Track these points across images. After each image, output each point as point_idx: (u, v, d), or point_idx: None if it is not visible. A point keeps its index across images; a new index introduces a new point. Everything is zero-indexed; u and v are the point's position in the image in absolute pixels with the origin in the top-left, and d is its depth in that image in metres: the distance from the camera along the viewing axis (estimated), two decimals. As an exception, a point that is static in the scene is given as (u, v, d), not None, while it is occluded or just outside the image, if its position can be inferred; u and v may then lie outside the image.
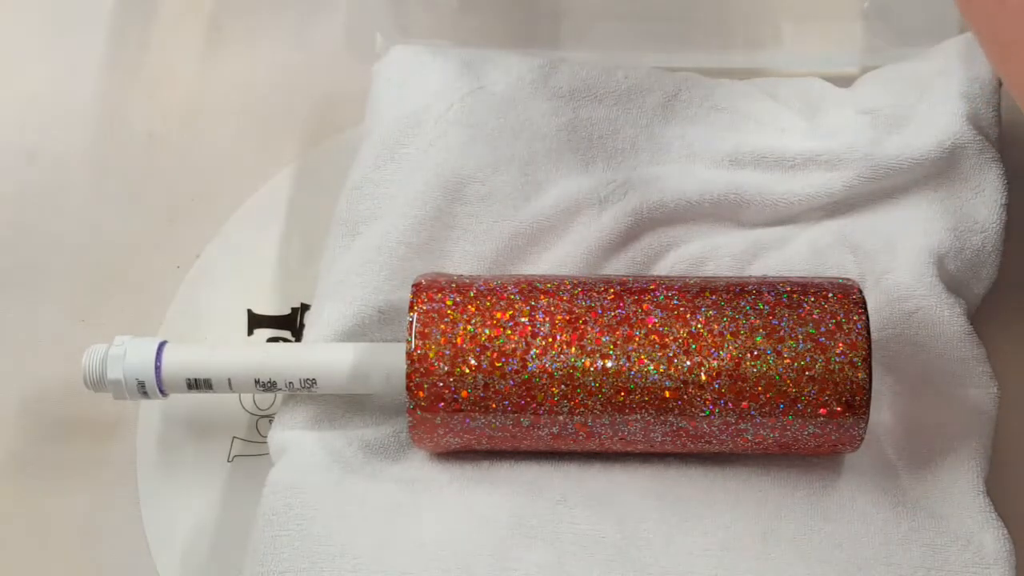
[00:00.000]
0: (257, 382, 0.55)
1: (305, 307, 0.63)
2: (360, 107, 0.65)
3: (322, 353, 0.56)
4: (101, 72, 0.70)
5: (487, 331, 0.52)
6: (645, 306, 0.53)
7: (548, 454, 0.56)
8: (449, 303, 0.53)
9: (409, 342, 0.52)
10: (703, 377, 0.52)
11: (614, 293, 0.54)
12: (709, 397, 0.52)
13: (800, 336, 0.52)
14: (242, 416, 0.61)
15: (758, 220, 0.61)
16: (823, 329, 0.52)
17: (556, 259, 0.60)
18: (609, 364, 0.52)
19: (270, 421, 0.59)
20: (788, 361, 0.51)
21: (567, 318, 0.53)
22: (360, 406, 0.58)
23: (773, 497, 0.55)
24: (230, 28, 0.71)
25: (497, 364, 0.52)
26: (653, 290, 0.54)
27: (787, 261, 0.59)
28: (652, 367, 0.52)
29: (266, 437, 0.58)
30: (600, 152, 0.62)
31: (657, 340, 0.52)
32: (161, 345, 0.55)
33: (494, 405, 0.52)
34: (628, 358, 0.52)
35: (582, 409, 0.52)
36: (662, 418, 0.52)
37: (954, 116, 0.59)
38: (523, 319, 0.53)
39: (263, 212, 0.66)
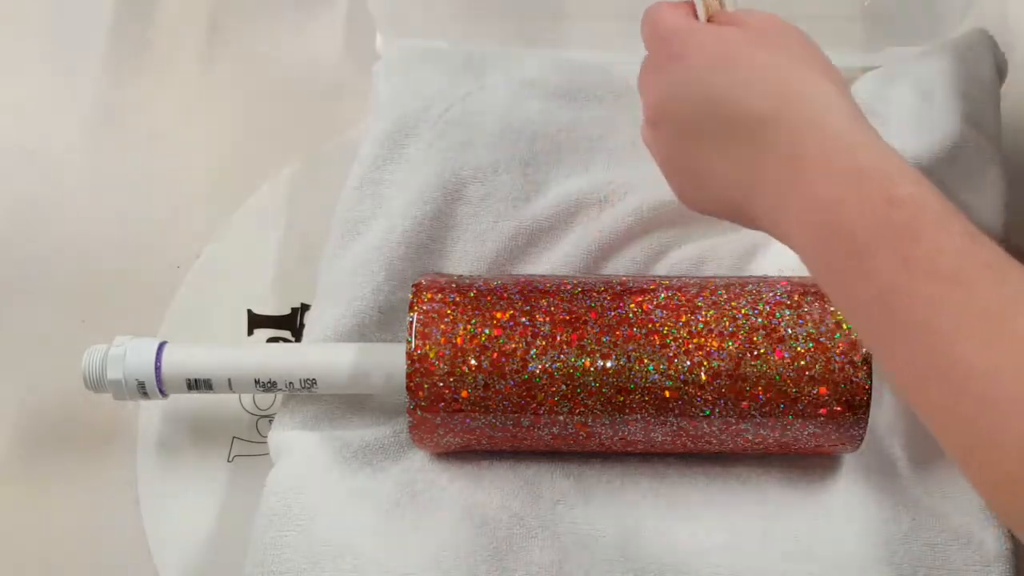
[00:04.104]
0: (257, 382, 0.55)
1: (305, 307, 0.63)
2: (360, 107, 0.65)
3: (322, 353, 0.56)
4: (101, 72, 0.70)
5: (487, 331, 0.52)
6: (645, 306, 0.53)
7: (548, 454, 0.56)
8: (449, 303, 0.53)
9: (409, 342, 0.52)
10: (703, 377, 0.52)
11: (614, 293, 0.54)
12: (709, 397, 0.52)
13: (800, 336, 0.52)
14: (242, 416, 0.61)
15: (758, 220, 0.61)
16: (823, 329, 0.52)
17: (556, 259, 0.60)
18: (609, 364, 0.52)
19: (270, 421, 0.59)
20: (788, 361, 0.51)
21: (567, 318, 0.53)
22: (360, 406, 0.58)
23: (773, 497, 0.55)
24: (230, 28, 0.72)
25: (497, 364, 0.52)
26: (653, 290, 0.54)
27: (787, 261, 0.59)
28: (652, 367, 0.52)
29: (266, 437, 0.58)
30: (600, 152, 0.62)
31: (657, 340, 0.52)
32: (161, 345, 0.55)
33: (494, 405, 0.52)
34: (628, 358, 0.52)
35: (582, 409, 0.52)
36: (662, 418, 0.52)
37: (954, 116, 0.59)
38: (523, 319, 0.53)
39: (263, 212, 0.66)
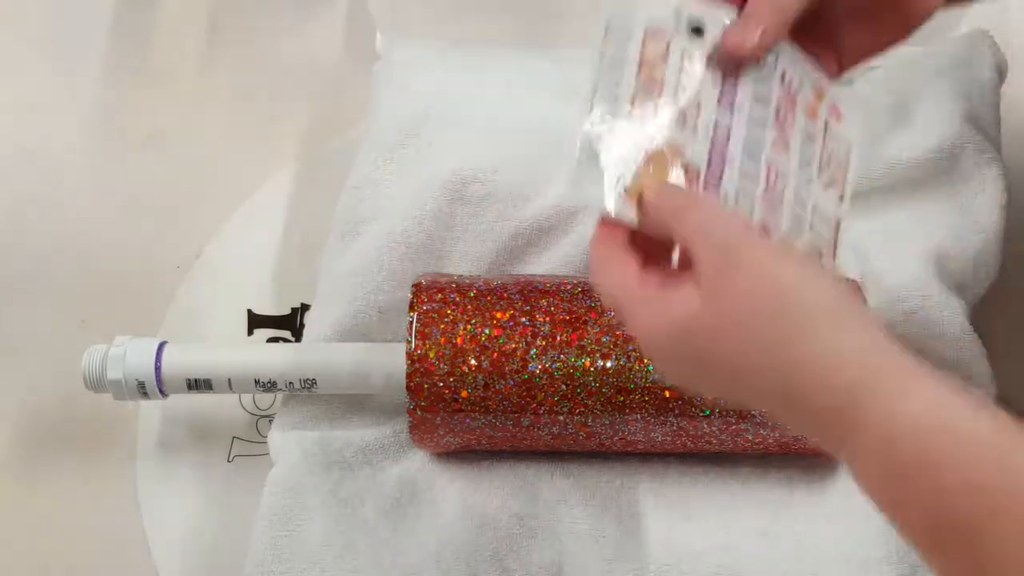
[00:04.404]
0: (257, 382, 0.55)
1: (305, 307, 0.63)
2: (360, 107, 0.65)
3: (322, 353, 0.55)
4: (101, 72, 0.70)
5: (487, 331, 0.52)
6: (645, 306, 0.53)
7: (548, 454, 0.56)
8: (449, 303, 0.53)
9: (409, 342, 0.52)
10: (703, 377, 0.51)
11: (614, 293, 0.53)
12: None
13: (800, 336, 0.52)
14: (242, 416, 0.61)
15: (758, 220, 0.61)
16: (823, 329, 0.52)
17: (556, 259, 0.60)
18: (609, 364, 0.52)
19: (270, 421, 0.59)
20: (788, 361, 0.51)
21: (567, 318, 0.53)
22: (360, 406, 0.58)
23: (773, 497, 0.55)
24: (230, 28, 0.71)
25: (497, 364, 0.52)
26: (653, 290, 0.54)
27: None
28: (652, 367, 0.52)
29: (266, 437, 0.58)
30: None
31: (657, 340, 0.52)
32: (161, 345, 0.55)
33: (494, 405, 0.52)
34: (628, 358, 0.52)
35: (582, 409, 0.52)
36: (662, 418, 0.52)
37: (954, 116, 0.59)
38: (523, 319, 0.52)
39: (263, 212, 0.66)
